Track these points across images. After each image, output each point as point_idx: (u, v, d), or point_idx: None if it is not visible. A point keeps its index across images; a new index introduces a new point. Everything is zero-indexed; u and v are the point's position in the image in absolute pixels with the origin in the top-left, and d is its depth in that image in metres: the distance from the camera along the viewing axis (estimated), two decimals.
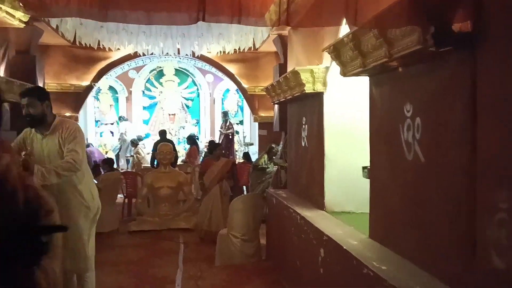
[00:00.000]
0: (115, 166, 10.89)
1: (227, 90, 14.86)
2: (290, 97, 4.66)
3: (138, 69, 14.59)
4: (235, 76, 12.48)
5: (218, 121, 14.76)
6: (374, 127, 3.10)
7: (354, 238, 3.22)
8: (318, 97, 4.21)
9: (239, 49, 11.30)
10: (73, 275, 3.96)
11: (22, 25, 7.17)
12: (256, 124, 13.05)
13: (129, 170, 10.93)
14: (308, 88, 4.08)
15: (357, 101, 4.09)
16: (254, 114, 12.45)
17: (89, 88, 12.14)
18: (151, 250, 6.61)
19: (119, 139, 13.50)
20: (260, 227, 5.91)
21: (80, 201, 3.82)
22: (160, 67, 14.63)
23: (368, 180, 3.48)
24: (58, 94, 11.79)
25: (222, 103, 14.92)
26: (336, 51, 3.09)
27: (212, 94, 14.86)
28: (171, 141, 10.61)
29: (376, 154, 3.11)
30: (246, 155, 11.26)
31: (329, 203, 4.16)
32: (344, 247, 2.99)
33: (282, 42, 9.91)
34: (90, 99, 14.17)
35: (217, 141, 13.08)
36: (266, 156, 8.56)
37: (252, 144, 12.99)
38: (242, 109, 14.89)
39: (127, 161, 12.62)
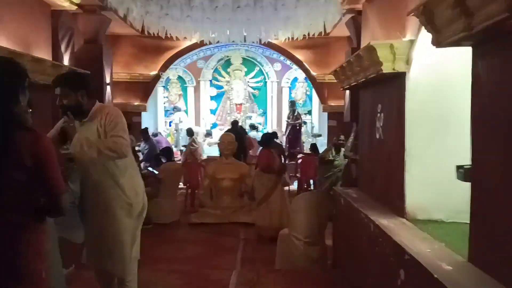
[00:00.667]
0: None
1: (295, 79, 14.11)
2: (363, 80, 3.85)
3: (206, 58, 14.28)
4: (304, 63, 11.69)
5: (286, 111, 14.08)
6: (480, 115, 2.26)
7: (447, 261, 2.41)
8: (398, 78, 3.37)
9: (308, 34, 10.47)
10: (114, 278, 3.50)
11: (74, 7, 6.87)
12: (325, 114, 12.19)
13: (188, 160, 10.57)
14: (387, 68, 3.26)
15: (449, 83, 3.22)
16: (323, 103, 11.61)
17: (156, 78, 11.97)
18: (210, 246, 6.12)
19: (174, 129, 13.28)
20: (327, 226, 5.16)
21: (122, 198, 3.31)
22: (227, 56, 14.19)
23: (464, 183, 2.64)
24: (127, 84, 11.76)
25: (290, 93, 14.20)
26: (428, 13, 2.28)
27: (280, 83, 14.18)
28: (242, 132, 10.14)
29: (481, 150, 2.27)
30: (314, 147, 10.47)
31: (411, 209, 3.34)
32: (435, 275, 2.21)
33: (356, 24, 8.95)
34: (159, 88, 14.11)
35: (284, 132, 12.44)
36: (333, 148, 7.72)
37: (320, 135, 12.15)
38: (310, 98, 14.07)
39: (181, 151, 12.31)
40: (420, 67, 3.24)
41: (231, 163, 7.55)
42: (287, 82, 14.12)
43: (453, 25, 2.08)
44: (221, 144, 7.56)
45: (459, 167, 2.85)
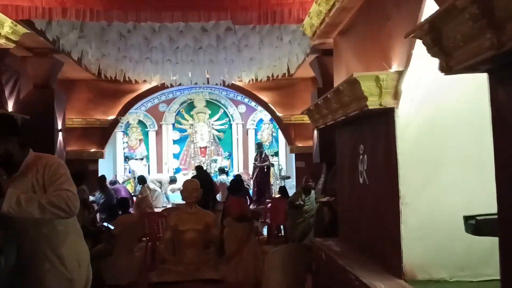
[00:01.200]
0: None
1: (261, 121, 13.70)
2: (342, 118, 3.37)
3: (168, 102, 13.70)
4: (269, 104, 11.33)
5: (252, 153, 13.55)
6: (506, 153, 1.78)
7: None
8: (386, 115, 2.91)
9: (272, 76, 10.18)
10: None
11: (11, 45, 6.19)
12: (293, 155, 11.76)
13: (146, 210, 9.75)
14: (372, 103, 2.79)
15: (445, 117, 2.79)
16: (290, 144, 11.18)
17: (115, 122, 11.26)
18: None
19: (133, 177, 12.44)
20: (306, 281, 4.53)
21: (60, 272, 2.59)
22: (190, 99, 13.68)
23: (467, 235, 2.15)
24: (83, 130, 10.97)
25: (256, 134, 13.75)
26: (436, 32, 1.82)
27: (245, 125, 13.73)
28: (207, 177, 9.47)
29: (510, 195, 1.78)
30: (283, 190, 9.90)
31: (409, 268, 2.79)
32: None
33: (320, 64, 8.71)
34: (119, 133, 13.35)
35: (251, 175, 11.86)
36: (303, 191, 7.15)
37: (289, 177, 11.63)
38: (277, 140, 13.64)
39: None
40: (410, 101, 2.79)
41: (195, 213, 6.80)
42: (253, 124, 13.69)
43: (473, 43, 1.62)
44: (184, 191, 6.83)
45: (468, 218, 2.35)
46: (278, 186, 11.14)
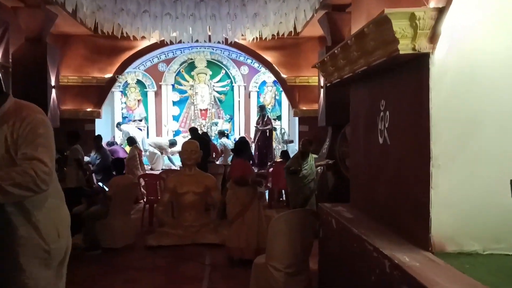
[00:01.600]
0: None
1: (264, 83, 13.20)
2: (363, 68, 2.93)
3: (168, 61, 13.16)
4: (273, 65, 10.79)
5: (254, 117, 13.14)
6: None
7: None
8: (418, 62, 2.47)
9: (277, 34, 9.60)
10: None
11: None
12: (296, 119, 11.34)
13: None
14: (405, 47, 2.34)
15: (487, 67, 2.36)
16: (294, 107, 10.73)
17: (112, 81, 10.76)
18: (169, 276, 5.04)
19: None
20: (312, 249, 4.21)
21: (35, 241, 2.22)
22: (191, 58, 13.13)
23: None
24: (79, 88, 10.49)
25: (258, 97, 13.27)
26: None
27: (247, 87, 13.23)
28: (205, 139, 9.06)
29: None
30: (285, 154, 9.50)
31: (438, 239, 2.42)
32: None
33: (330, 20, 8.14)
34: (117, 93, 12.88)
35: (253, 139, 11.48)
36: (300, 156, 6.64)
37: (292, 141, 11.23)
38: (280, 103, 13.18)
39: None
40: (449, 46, 2.35)
41: (194, 175, 6.47)
42: (255, 86, 13.18)
43: None
44: (183, 153, 6.47)
45: None
46: (280, 150, 10.78)
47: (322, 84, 8.25)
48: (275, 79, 12.83)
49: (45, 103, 7.72)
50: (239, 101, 13.30)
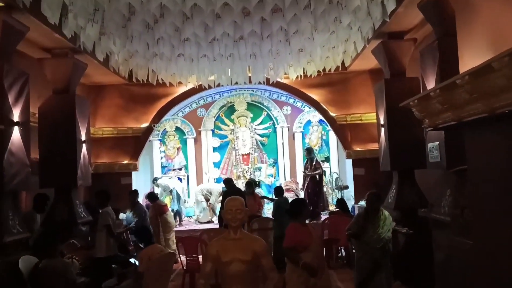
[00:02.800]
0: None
1: (309, 122, 12.09)
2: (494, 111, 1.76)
3: (206, 106, 12.37)
4: (320, 103, 9.72)
5: (300, 159, 11.99)
6: None
7: None
8: None
9: (323, 70, 8.60)
10: None
11: None
12: (349, 161, 10.10)
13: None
14: None
15: None
16: (346, 148, 9.52)
17: (149, 131, 10.01)
18: None
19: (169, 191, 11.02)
20: None
21: None
22: (230, 102, 12.28)
23: None
24: (115, 140, 9.78)
25: (303, 138, 12.15)
26: None
27: (291, 128, 12.17)
28: (240, 192, 8.00)
29: None
30: (341, 202, 8.28)
31: None
32: None
33: (387, 50, 7.01)
34: (155, 143, 12.13)
35: (301, 185, 10.27)
36: (385, 214, 5.16)
37: (347, 187, 9.94)
38: (327, 143, 11.98)
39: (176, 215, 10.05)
40: None
41: (241, 239, 5.26)
42: (299, 127, 12.10)
43: None
44: (227, 212, 5.29)
45: None
46: (333, 197, 9.54)
47: (382, 122, 7.05)
48: (321, 118, 11.79)
49: (74, 159, 6.92)
50: (282, 143, 12.21)
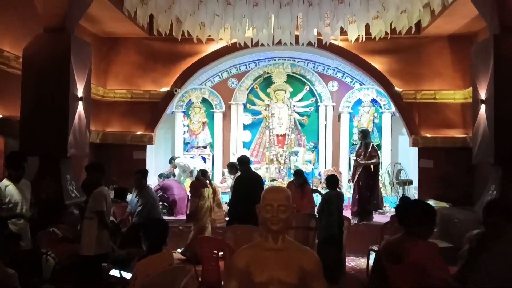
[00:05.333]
0: None
1: (358, 102, 10.01)
2: None
3: (239, 76, 10.46)
4: (384, 74, 7.67)
5: (344, 145, 9.99)
6: None
7: None
8: None
9: (393, 30, 6.58)
10: None
11: None
12: (405, 152, 8.08)
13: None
14: None
15: None
16: (412, 134, 7.47)
17: (169, 96, 8.19)
18: None
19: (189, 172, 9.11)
20: None
21: None
22: (268, 72, 10.33)
23: None
24: (129, 105, 8.03)
25: (351, 120, 10.11)
26: None
27: (337, 107, 10.15)
28: (259, 179, 6.15)
29: None
30: (406, 202, 6.28)
31: None
32: None
33: None
34: (178, 114, 10.34)
35: (351, 176, 8.29)
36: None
37: (411, 182, 7.84)
38: (379, 128, 9.91)
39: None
40: None
41: (283, 250, 3.28)
42: (347, 106, 10.05)
43: None
44: (265, 209, 3.32)
45: None
46: (391, 194, 7.53)
47: (483, 97, 4.98)
48: (374, 98, 9.74)
49: (64, 119, 5.19)
50: (325, 125, 10.19)
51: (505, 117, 4.64)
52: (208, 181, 6.83)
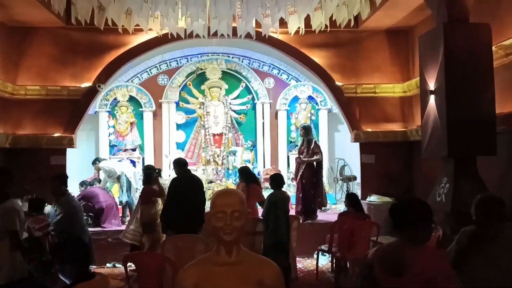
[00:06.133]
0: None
1: (295, 99, 9.76)
2: None
3: (170, 73, 9.73)
4: (324, 69, 7.40)
5: (283, 143, 9.70)
6: None
7: None
8: None
9: (332, 24, 6.35)
10: None
11: None
12: (350, 147, 7.92)
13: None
14: None
15: None
16: (354, 129, 7.29)
17: (91, 93, 7.27)
18: None
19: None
20: None
21: None
22: (201, 68, 9.71)
23: None
24: (44, 103, 7.00)
25: (288, 118, 9.82)
26: None
27: (274, 105, 9.81)
28: (199, 181, 5.64)
29: None
30: (352, 199, 6.01)
31: None
32: None
33: None
34: (102, 114, 9.35)
35: (293, 174, 7.95)
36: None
37: (355, 178, 7.65)
38: (316, 125, 9.71)
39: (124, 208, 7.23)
40: None
41: (238, 263, 2.62)
42: (284, 104, 9.74)
43: None
44: (216, 217, 2.55)
45: None
46: (336, 191, 7.28)
47: (432, 87, 4.82)
48: (310, 95, 9.53)
49: None
50: (263, 123, 9.81)
51: (457, 106, 4.49)
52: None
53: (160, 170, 7.02)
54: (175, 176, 5.59)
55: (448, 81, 4.56)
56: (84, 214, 6.02)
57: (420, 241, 2.05)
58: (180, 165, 5.55)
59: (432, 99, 4.83)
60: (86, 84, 7.13)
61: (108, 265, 6.38)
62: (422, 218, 2.07)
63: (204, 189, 8.50)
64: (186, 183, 5.37)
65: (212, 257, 1.96)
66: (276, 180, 5.43)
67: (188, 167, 8.11)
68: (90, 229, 5.80)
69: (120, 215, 7.35)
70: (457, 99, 4.51)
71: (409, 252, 2.03)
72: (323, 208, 7.37)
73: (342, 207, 7.62)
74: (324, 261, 6.40)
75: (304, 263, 6.56)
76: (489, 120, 4.59)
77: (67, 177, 4.93)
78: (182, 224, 4.88)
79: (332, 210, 8.04)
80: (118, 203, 7.54)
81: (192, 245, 4.45)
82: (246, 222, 1.95)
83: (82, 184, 7.14)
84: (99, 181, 7.75)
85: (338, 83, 7.31)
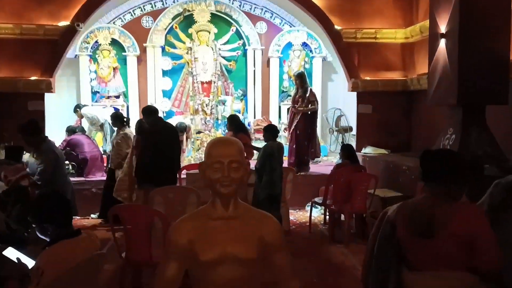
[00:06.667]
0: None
1: (289, 45, 9.26)
2: None
3: (155, 14, 9.11)
4: (323, 11, 6.89)
5: (275, 92, 9.33)
6: None
7: None
8: None
9: None
10: None
11: None
12: (344, 97, 7.59)
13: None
14: None
15: None
16: (352, 77, 6.92)
17: (70, 33, 6.69)
18: None
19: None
20: None
21: None
22: (188, 10, 9.08)
23: None
24: (19, 44, 6.43)
25: (281, 65, 9.36)
26: None
27: (266, 51, 9.31)
28: (173, 130, 5.32)
29: None
30: (348, 150, 5.76)
31: None
32: None
33: None
34: (83, 58, 8.78)
35: (287, 125, 7.62)
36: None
37: (351, 128, 7.37)
38: (310, 74, 9.29)
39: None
40: None
41: (236, 217, 2.23)
42: (277, 50, 9.24)
43: None
44: (213, 168, 2.17)
45: None
46: (330, 142, 7.01)
47: (443, 30, 4.44)
48: (305, 41, 9.04)
49: None
50: (254, 70, 9.37)
51: (470, 51, 4.15)
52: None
53: (128, 119, 6.59)
54: (147, 125, 5.15)
55: (461, 24, 4.18)
56: (67, 162, 5.71)
57: (454, 197, 1.78)
58: (151, 113, 5.13)
59: (442, 43, 4.47)
60: (64, 22, 6.53)
61: (92, 215, 6.13)
62: (459, 171, 1.78)
63: (192, 140, 8.26)
64: (162, 133, 4.98)
65: (207, 211, 1.79)
66: (271, 130, 5.13)
67: (175, 116, 7.80)
68: (72, 179, 5.48)
69: (105, 165, 7.02)
70: (470, 44, 4.16)
71: (442, 209, 1.76)
72: (315, 159, 7.13)
73: (334, 159, 7.42)
74: (316, 213, 6.25)
75: (296, 215, 6.41)
76: (502, 68, 4.28)
77: (35, 123, 4.42)
78: (159, 176, 4.63)
79: (324, 162, 7.85)
80: (102, 152, 7.19)
81: (184, 197, 4.17)
82: (245, 173, 1.73)
83: (68, 130, 6.74)
84: (82, 129, 7.33)
85: (337, 27, 6.84)
